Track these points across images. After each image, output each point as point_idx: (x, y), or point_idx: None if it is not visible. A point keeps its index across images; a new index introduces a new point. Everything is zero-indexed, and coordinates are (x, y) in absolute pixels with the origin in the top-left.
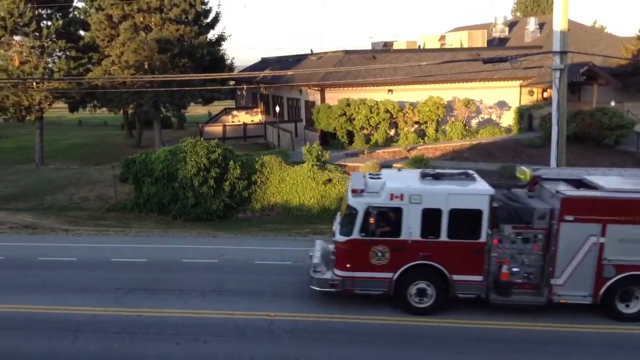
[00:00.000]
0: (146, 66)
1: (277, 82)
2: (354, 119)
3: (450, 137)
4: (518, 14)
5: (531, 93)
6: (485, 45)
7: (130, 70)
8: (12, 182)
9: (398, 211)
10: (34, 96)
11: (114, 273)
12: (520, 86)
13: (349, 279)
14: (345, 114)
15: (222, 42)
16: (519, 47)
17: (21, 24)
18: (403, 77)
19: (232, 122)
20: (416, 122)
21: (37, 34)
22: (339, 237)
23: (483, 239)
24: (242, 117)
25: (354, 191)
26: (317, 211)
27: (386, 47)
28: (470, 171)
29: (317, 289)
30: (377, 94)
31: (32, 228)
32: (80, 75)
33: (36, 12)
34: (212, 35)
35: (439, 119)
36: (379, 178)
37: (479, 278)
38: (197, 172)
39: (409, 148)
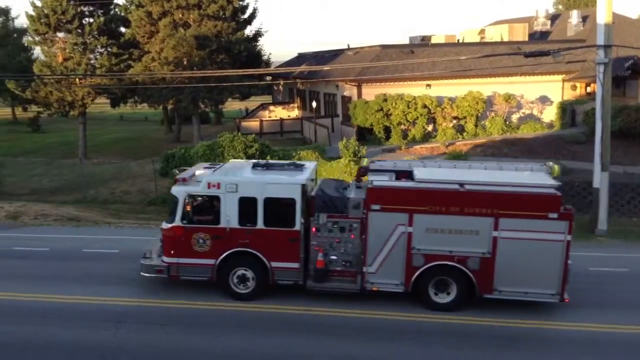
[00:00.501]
0: (185, 62)
1: (313, 78)
2: (391, 114)
3: (490, 133)
4: (560, 6)
5: (574, 88)
6: (527, 39)
7: (169, 66)
8: (56, 176)
9: (216, 200)
10: (77, 92)
11: None
12: (563, 81)
13: (174, 265)
14: (382, 109)
15: (259, 38)
16: (561, 40)
17: (64, 21)
18: (441, 72)
19: (269, 117)
20: (455, 118)
21: (80, 30)
22: (164, 224)
23: (297, 227)
24: (279, 113)
25: (176, 180)
26: None
27: (424, 42)
28: (302, 162)
29: (145, 274)
30: (414, 89)
31: (76, 220)
32: (121, 72)
33: (78, 10)
34: (249, 31)
35: (479, 114)
36: (212, 168)
37: (295, 265)
38: None
39: (447, 144)
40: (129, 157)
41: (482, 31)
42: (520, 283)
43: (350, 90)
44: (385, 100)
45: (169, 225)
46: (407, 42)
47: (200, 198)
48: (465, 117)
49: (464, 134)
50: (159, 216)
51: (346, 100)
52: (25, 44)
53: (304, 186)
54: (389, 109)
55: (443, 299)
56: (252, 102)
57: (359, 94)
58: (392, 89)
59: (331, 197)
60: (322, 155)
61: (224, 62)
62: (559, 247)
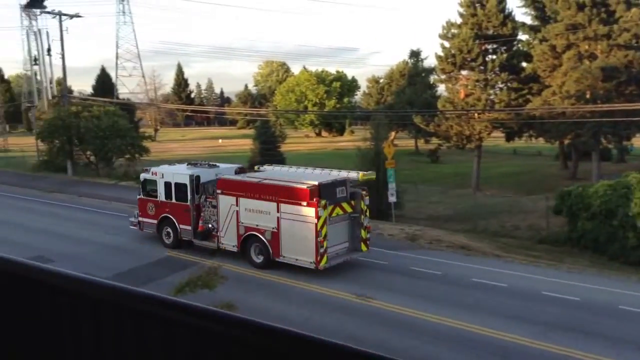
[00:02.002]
0: (587, 96)
1: None
2: None
3: None
4: None
5: None
6: None
7: (570, 100)
8: (450, 205)
9: (155, 182)
10: (475, 126)
11: (543, 306)
12: None
13: (141, 222)
14: None
15: None
16: None
17: (469, 59)
18: None
19: None
20: None
21: (482, 67)
22: (137, 196)
23: (188, 202)
24: None
25: (143, 170)
26: None
27: None
28: (217, 164)
29: (130, 227)
30: None
31: (467, 249)
32: (519, 106)
33: (483, 48)
34: None
35: None
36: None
37: (189, 228)
38: None
39: None
40: (521, 192)
41: None
42: (294, 252)
43: None
44: None
45: (139, 197)
46: None
47: (149, 180)
48: None
49: None
50: (549, 255)
51: None
52: (431, 82)
53: (192, 176)
54: None
55: (259, 259)
56: None
57: None
58: None
59: (206, 184)
60: None
61: (633, 94)
62: (311, 226)
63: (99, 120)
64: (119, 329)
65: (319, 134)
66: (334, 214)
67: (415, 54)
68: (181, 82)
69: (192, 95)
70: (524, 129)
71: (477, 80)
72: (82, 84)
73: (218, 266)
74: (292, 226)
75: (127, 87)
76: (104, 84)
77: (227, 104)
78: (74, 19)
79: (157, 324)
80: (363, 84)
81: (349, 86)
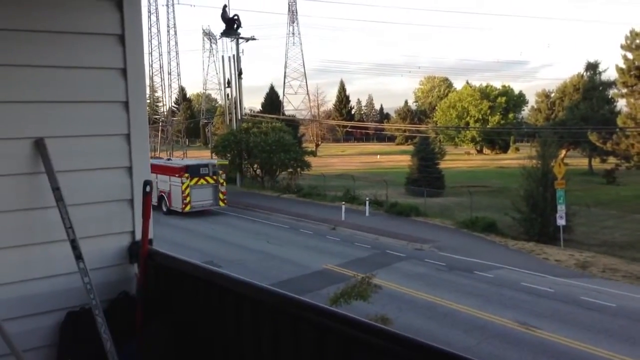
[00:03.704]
0: None
1: None
2: None
3: None
4: None
5: None
6: None
7: None
8: (628, 230)
9: None
10: None
11: None
12: None
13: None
14: None
15: None
16: None
17: None
18: None
19: None
20: None
21: None
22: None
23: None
24: None
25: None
26: None
27: None
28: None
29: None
30: None
31: None
32: None
33: None
34: None
35: None
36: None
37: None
38: None
39: None
40: None
41: None
42: (175, 203)
43: None
44: None
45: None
46: None
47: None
48: None
49: None
50: None
51: None
52: (610, 97)
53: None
54: None
55: (165, 209)
56: None
57: None
58: None
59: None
60: None
61: None
62: (180, 189)
63: (266, 135)
64: (298, 338)
65: (480, 151)
66: (199, 183)
67: (592, 66)
68: (343, 98)
69: (353, 112)
70: None
71: None
72: (253, 102)
73: (371, 276)
74: (174, 189)
75: (292, 104)
76: (272, 101)
77: (386, 120)
78: (249, 41)
79: (336, 338)
80: (531, 99)
81: (515, 101)
